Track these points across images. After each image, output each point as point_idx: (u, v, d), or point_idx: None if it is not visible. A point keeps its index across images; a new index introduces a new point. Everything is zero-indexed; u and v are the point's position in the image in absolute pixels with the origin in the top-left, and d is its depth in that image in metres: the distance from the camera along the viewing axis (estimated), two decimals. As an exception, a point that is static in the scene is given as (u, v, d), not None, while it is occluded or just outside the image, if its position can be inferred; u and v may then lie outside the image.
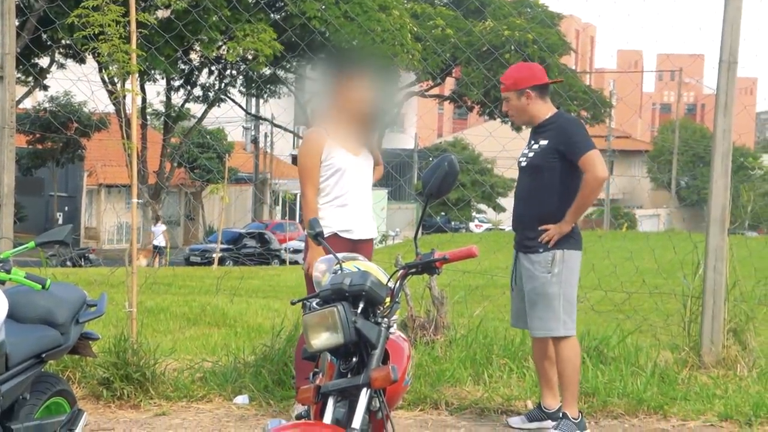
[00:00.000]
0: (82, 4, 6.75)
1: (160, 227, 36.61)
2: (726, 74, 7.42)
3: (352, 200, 6.07)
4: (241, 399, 6.74)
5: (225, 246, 36.95)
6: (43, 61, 33.02)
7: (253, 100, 43.96)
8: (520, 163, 6.21)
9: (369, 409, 3.97)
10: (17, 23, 6.95)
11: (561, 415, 6.11)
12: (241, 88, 37.84)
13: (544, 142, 6.04)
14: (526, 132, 6.46)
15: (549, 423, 6.22)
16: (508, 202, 59.60)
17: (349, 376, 4.03)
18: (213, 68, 34.99)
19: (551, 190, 5.99)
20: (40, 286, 4.37)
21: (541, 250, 5.99)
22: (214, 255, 34.13)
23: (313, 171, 6.05)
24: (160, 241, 36.09)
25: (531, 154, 6.10)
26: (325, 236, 4.76)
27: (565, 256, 5.99)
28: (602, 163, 5.98)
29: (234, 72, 35.67)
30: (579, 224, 6.15)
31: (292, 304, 4.58)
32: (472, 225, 62.28)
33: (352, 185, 6.06)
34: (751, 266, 8.47)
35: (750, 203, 9.66)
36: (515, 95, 6.09)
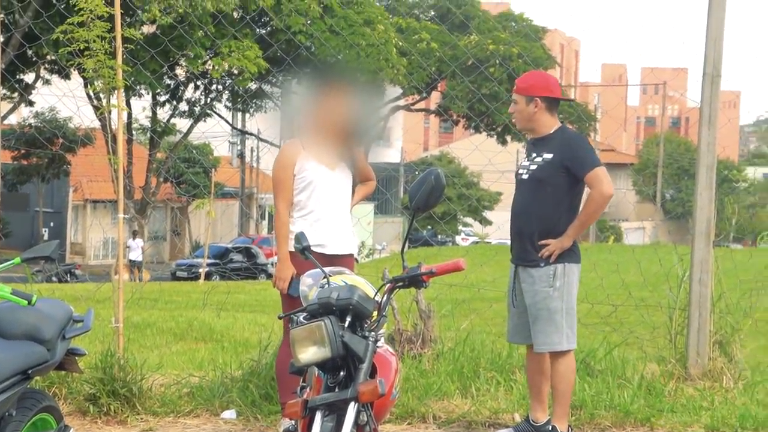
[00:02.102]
0: (68, 20, 6.75)
1: (138, 242, 36.51)
2: (709, 87, 7.46)
3: (326, 215, 6.01)
4: (229, 414, 6.73)
5: (211, 261, 36.85)
6: (29, 77, 32.98)
7: (239, 114, 43.97)
8: (519, 175, 6.16)
9: (357, 423, 3.97)
10: (2, 39, 6.94)
11: (550, 428, 6.11)
12: (227, 102, 37.86)
13: (548, 156, 6.00)
14: (512, 145, 6.51)
15: (536, 436, 6.22)
16: (494, 215, 59.70)
17: (336, 390, 4.03)
18: (199, 83, 34.99)
19: (554, 205, 5.98)
20: (26, 302, 4.36)
21: (542, 264, 5.97)
22: (200, 270, 34.04)
23: (285, 183, 6.02)
24: (137, 255, 35.98)
25: (534, 167, 6.06)
26: (296, 250, 4.74)
27: (566, 270, 5.99)
28: (609, 180, 5.98)
29: (220, 87, 35.68)
30: None
31: (279, 318, 4.60)
32: (458, 238, 62.30)
33: (325, 199, 6.00)
34: (736, 278, 8.51)
35: (735, 216, 9.72)
36: (524, 100, 6.05)
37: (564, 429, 6.08)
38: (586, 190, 6.10)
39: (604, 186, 5.92)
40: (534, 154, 6.10)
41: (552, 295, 5.96)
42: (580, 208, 6.10)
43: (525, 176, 6.10)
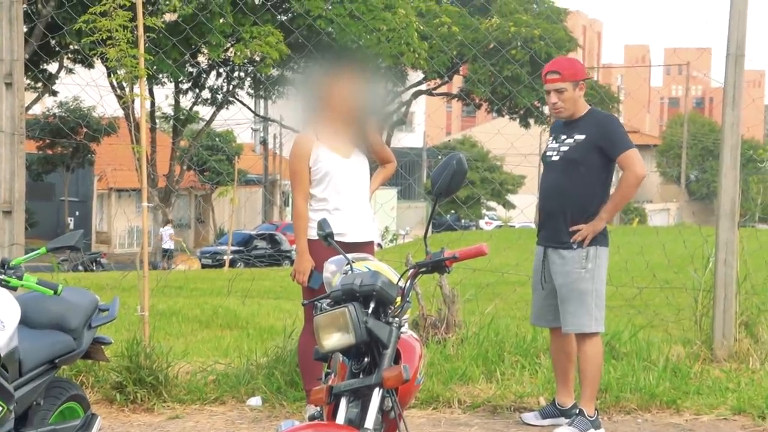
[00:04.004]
0: (90, 9, 6.77)
1: (168, 230, 36.68)
2: (733, 67, 7.42)
3: (345, 204, 5.98)
4: (254, 401, 6.76)
5: (236, 248, 37.02)
6: (52, 67, 33.10)
7: (262, 101, 44.00)
8: (548, 157, 6.15)
9: (382, 409, 3.98)
10: (25, 29, 6.97)
11: (577, 411, 6.11)
12: (249, 89, 37.88)
13: (580, 137, 6.01)
14: (535, 128, 6.48)
15: (563, 420, 6.22)
16: (517, 198, 59.59)
17: (361, 376, 4.04)
18: (221, 71, 35.04)
19: (588, 185, 6.00)
20: (52, 292, 4.40)
21: (575, 246, 5.98)
22: (224, 257, 34.19)
23: (301, 175, 5.99)
24: (166, 243, 36.20)
25: (565, 149, 6.06)
26: (316, 239, 4.75)
27: (598, 253, 6.01)
28: (642, 162, 6.03)
29: (242, 74, 35.71)
30: None
31: (303, 305, 4.60)
32: (482, 222, 62.23)
33: (343, 188, 5.97)
34: (762, 259, 8.47)
35: (760, 196, 9.65)
36: (572, 86, 6.03)
37: (591, 412, 6.08)
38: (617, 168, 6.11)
39: (637, 168, 5.96)
40: (564, 136, 6.09)
41: (584, 276, 5.98)
42: (611, 188, 6.11)
43: (555, 158, 6.09)
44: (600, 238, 6.03)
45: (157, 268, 32.45)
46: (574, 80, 6.06)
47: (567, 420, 6.16)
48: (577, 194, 6.00)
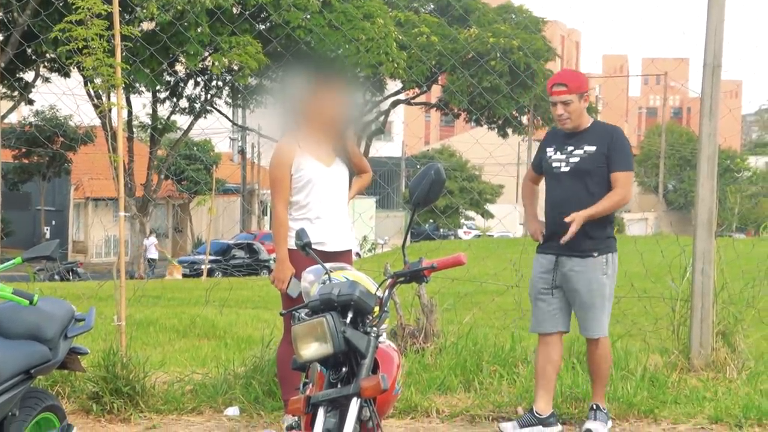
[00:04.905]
0: (66, 18, 6.74)
1: (152, 240, 36.62)
2: (710, 78, 7.45)
3: (325, 212, 5.96)
4: (232, 411, 6.73)
5: (213, 257, 36.92)
6: (28, 76, 32.99)
7: (240, 110, 43.96)
8: (555, 168, 6.18)
9: (360, 419, 3.97)
10: (1, 38, 6.93)
11: (595, 406, 6.32)
12: (227, 99, 37.83)
13: (590, 148, 6.11)
14: (513, 138, 6.50)
15: (541, 428, 6.22)
16: (496, 208, 59.75)
17: (339, 386, 4.03)
18: (199, 80, 34.99)
19: (602, 195, 6.09)
20: (28, 302, 4.36)
21: (596, 254, 6.09)
22: (202, 266, 34.11)
23: (283, 183, 5.95)
24: (152, 253, 36.13)
25: (575, 160, 6.13)
26: (296, 248, 4.74)
27: (614, 259, 6.19)
28: (631, 188, 6.21)
29: (220, 83, 35.67)
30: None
31: (281, 315, 4.58)
32: (460, 232, 62.31)
33: (324, 196, 5.95)
34: (739, 268, 8.49)
35: (737, 205, 9.69)
36: (578, 98, 6.11)
37: (604, 405, 6.36)
38: None
39: (628, 191, 6.14)
40: (571, 147, 6.16)
41: (605, 282, 6.14)
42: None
43: (565, 168, 6.15)
44: (614, 245, 6.20)
45: (134, 277, 32.34)
46: (580, 92, 6.13)
47: (590, 418, 6.31)
48: (593, 203, 6.07)
